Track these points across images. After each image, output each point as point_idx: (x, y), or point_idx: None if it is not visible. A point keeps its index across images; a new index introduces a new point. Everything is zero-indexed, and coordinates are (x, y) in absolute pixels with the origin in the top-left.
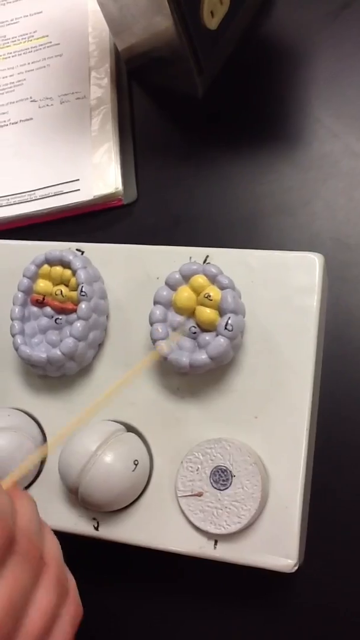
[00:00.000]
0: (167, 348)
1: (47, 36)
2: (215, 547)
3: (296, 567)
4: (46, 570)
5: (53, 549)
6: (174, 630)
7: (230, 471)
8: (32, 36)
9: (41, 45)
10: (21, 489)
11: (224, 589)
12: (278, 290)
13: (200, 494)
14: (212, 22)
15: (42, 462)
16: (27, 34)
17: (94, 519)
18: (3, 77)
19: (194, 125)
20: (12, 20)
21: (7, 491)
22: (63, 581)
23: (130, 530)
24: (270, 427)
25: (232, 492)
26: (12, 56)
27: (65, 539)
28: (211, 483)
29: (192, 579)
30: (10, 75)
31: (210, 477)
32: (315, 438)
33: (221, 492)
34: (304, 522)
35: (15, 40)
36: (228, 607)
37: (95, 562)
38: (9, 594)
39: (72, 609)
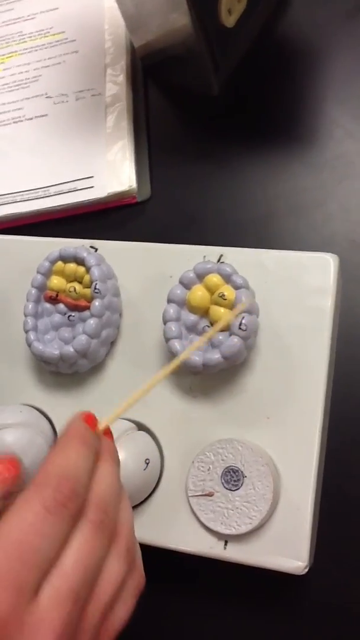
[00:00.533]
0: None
1: (63, 32)
2: (225, 548)
3: (307, 570)
4: (118, 539)
5: (126, 517)
6: (182, 630)
7: (242, 472)
8: (49, 32)
9: (57, 41)
10: (112, 444)
11: (234, 589)
12: (292, 291)
13: (211, 494)
14: (229, 20)
15: None
16: (43, 30)
17: None
18: (19, 73)
19: (209, 124)
20: (28, 16)
21: (96, 450)
22: (132, 551)
23: (141, 528)
24: (282, 428)
25: (243, 492)
26: (28, 52)
27: None
28: (222, 483)
29: (202, 579)
30: (26, 71)
31: (221, 477)
32: (327, 439)
33: (232, 492)
34: (315, 524)
35: (31, 36)
36: (238, 607)
37: None
38: (83, 561)
39: (137, 579)
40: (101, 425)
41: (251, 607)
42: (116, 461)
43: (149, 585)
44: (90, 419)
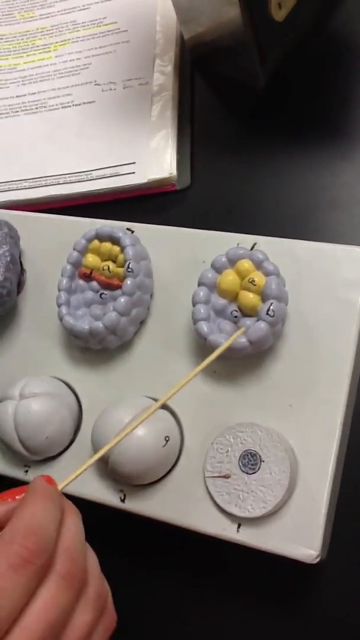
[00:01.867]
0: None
1: (115, 22)
2: (238, 531)
3: (318, 559)
4: (87, 588)
5: (93, 564)
6: (194, 617)
7: (260, 456)
8: (102, 22)
9: (109, 31)
10: (68, 502)
11: (247, 581)
12: (323, 283)
13: (227, 476)
14: (279, 14)
15: (77, 430)
16: (96, 20)
17: (121, 491)
18: (70, 60)
19: (253, 116)
20: (83, 6)
21: (58, 499)
22: (103, 596)
23: (156, 505)
24: (303, 417)
25: (259, 477)
26: (81, 40)
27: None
28: (239, 466)
29: (214, 566)
30: (77, 59)
31: (239, 460)
32: (349, 432)
33: (249, 475)
34: (331, 515)
35: (85, 25)
36: (251, 598)
37: (120, 536)
38: (47, 615)
39: (107, 620)
40: (60, 486)
41: (262, 601)
42: (78, 513)
43: (165, 572)
44: (51, 481)
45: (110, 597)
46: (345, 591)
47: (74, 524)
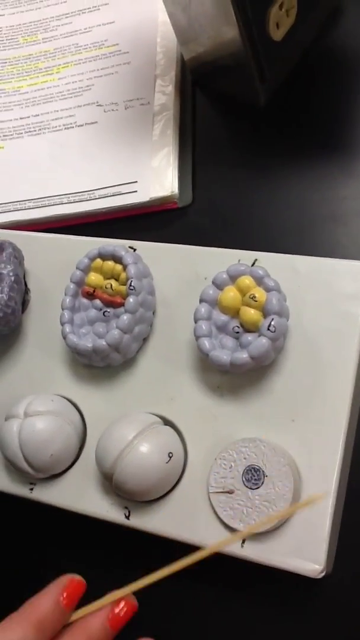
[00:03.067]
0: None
1: (117, 44)
2: (242, 546)
3: (323, 574)
4: None
5: None
6: (195, 627)
7: (263, 471)
8: (103, 44)
9: (111, 52)
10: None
11: (252, 593)
12: (324, 297)
13: (231, 492)
14: (277, 34)
15: (81, 447)
16: (98, 42)
17: (126, 507)
18: (73, 82)
19: (254, 133)
20: (85, 29)
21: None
22: None
23: (160, 522)
24: (306, 432)
25: (263, 492)
26: (83, 62)
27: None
28: (243, 481)
29: (219, 578)
30: (80, 81)
31: (242, 476)
32: (353, 446)
33: (252, 491)
34: (335, 529)
35: (87, 48)
36: (255, 610)
37: (125, 551)
38: None
39: None
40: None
41: (269, 611)
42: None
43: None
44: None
45: None
46: (351, 603)
47: None
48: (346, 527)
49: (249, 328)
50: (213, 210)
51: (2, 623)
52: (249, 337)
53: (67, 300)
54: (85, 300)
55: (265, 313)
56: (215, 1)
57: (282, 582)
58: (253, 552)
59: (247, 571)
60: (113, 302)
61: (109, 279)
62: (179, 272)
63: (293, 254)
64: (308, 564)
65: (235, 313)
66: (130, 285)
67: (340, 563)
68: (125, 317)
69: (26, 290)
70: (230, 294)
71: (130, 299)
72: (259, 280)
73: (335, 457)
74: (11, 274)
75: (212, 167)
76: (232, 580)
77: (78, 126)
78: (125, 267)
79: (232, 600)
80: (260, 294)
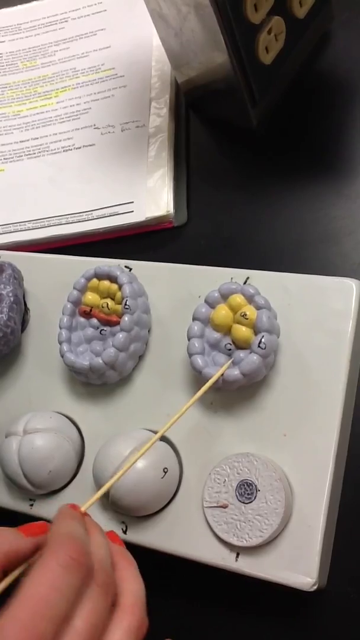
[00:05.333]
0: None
1: (113, 68)
2: (236, 560)
3: (315, 587)
4: (121, 598)
5: (126, 574)
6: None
7: (256, 485)
8: (100, 68)
9: (107, 76)
10: (92, 520)
11: (247, 605)
12: (314, 314)
13: (225, 506)
14: (267, 58)
15: (80, 464)
16: (95, 66)
17: (123, 522)
18: (71, 106)
19: (247, 155)
20: (82, 54)
21: (84, 521)
22: (136, 603)
23: (157, 536)
24: (298, 446)
25: (256, 505)
26: (80, 86)
27: None
28: (236, 496)
29: (215, 591)
30: (77, 104)
31: (235, 490)
32: (347, 460)
33: (245, 505)
34: (328, 542)
35: (84, 72)
36: (251, 624)
37: None
38: (90, 625)
39: (138, 629)
40: (82, 508)
41: (265, 625)
42: (101, 530)
43: (158, 596)
44: (75, 507)
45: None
46: (346, 616)
47: (102, 541)
48: (339, 540)
49: (241, 345)
50: (208, 229)
51: None
52: (240, 353)
53: (65, 319)
54: (82, 319)
55: (256, 330)
56: (205, 27)
57: (279, 595)
58: (247, 566)
59: (245, 585)
60: (109, 321)
61: (105, 298)
62: (173, 290)
63: (288, 271)
64: (301, 577)
65: (227, 330)
66: (126, 304)
67: (334, 575)
68: (120, 336)
69: (26, 310)
70: (222, 312)
71: (126, 318)
72: (250, 298)
73: (326, 471)
74: (10, 294)
75: (206, 187)
76: (229, 594)
77: (76, 148)
78: (120, 287)
79: (229, 615)
80: (251, 311)
